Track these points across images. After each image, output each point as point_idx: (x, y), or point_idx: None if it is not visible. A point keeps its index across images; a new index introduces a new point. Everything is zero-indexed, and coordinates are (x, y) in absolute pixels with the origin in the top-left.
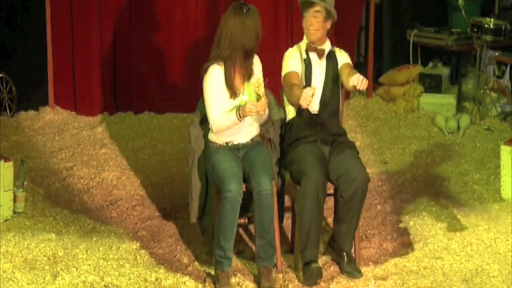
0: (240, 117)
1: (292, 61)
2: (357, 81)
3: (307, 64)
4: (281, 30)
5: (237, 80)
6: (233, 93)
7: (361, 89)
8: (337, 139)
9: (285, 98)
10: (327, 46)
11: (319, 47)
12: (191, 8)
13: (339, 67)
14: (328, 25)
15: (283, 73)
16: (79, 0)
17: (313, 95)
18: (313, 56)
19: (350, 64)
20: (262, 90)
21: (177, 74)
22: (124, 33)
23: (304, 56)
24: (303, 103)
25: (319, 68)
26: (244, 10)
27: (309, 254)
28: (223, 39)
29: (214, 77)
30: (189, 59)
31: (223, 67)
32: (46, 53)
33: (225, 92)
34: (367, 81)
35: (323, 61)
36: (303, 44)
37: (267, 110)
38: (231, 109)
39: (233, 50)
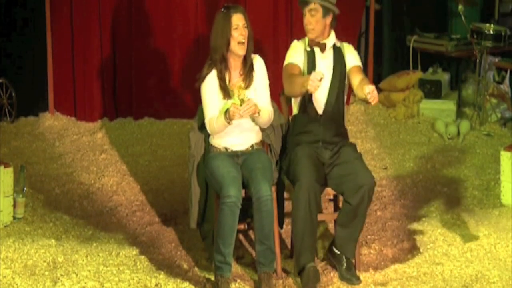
0: (228, 119)
1: (294, 52)
2: (371, 92)
3: (310, 56)
4: (281, 30)
5: (232, 82)
6: (226, 95)
7: (370, 102)
8: (339, 143)
9: (292, 101)
10: (330, 40)
11: (321, 42)
12: (191, 13)
13: (347, 67)
14: (328, 20)
15: (284, 64)
16: (79, 5)
17: (321, 79)
18: (317, 50)
19: (360, 67)
20: (243, 95)
21: (177, 80)
22: (124, 39)
23: (308, 48)
24: (311, 88)
25: (325, 64)
26: (220, 12)
27: (303, 260)
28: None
29: (209, 79)
30: (189, 64)
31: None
32: (46, 59)
33: (220, 94)
34: (377, 98)
35: (329, 58)
36: (307, 38)
37: (266, 113)
38: (221, 111)
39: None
